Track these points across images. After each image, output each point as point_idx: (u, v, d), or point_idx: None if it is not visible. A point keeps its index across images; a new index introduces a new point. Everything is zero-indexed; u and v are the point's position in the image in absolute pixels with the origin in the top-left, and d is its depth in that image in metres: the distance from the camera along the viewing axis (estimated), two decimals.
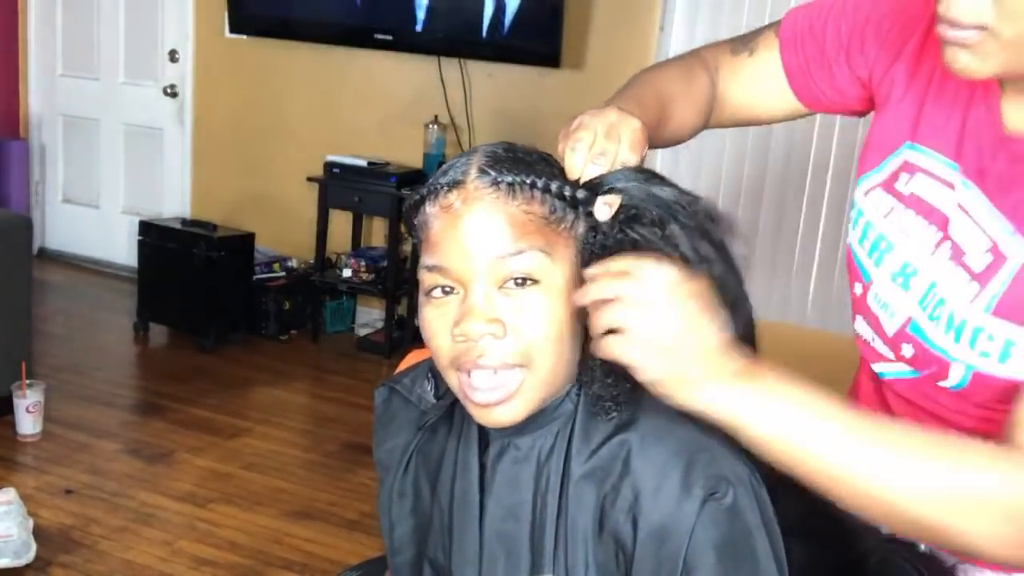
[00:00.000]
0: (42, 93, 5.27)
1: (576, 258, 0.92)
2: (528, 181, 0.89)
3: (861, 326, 1.12)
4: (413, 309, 4.26)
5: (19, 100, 5.25)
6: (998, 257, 0.96)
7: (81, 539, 2.67)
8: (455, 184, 0.90)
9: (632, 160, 0.94)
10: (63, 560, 2.57)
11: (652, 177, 0.93)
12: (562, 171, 0.94)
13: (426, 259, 0.91)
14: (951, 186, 1.02)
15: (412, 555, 1.07)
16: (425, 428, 1.06)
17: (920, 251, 1.04)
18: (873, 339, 1.10)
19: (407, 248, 4.30)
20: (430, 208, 0.92)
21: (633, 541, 0.89)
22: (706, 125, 1.24)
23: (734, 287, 0.93)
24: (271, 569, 2.61)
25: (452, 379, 0.93)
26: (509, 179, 0.89)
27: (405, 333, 4.27)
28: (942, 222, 1.03)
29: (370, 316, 4.59)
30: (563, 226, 0.91)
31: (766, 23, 1.24)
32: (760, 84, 1.22)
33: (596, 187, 0.92)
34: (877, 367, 1.12)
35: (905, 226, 1.06)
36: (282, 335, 4.40)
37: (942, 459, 0.84)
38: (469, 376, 0.90)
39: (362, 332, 4.53)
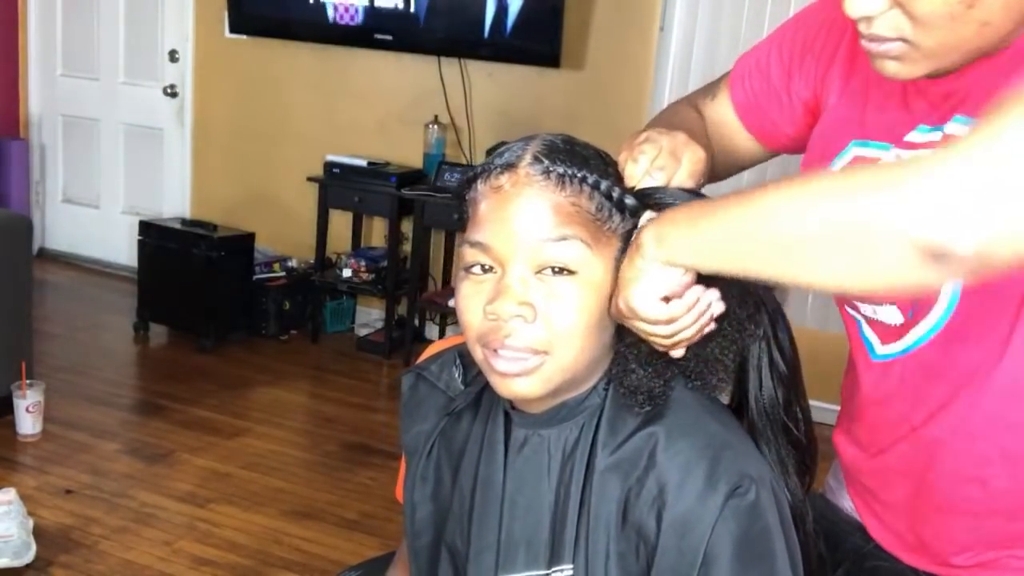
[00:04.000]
0: (42, 93, 5.27)
1: (616, 257, 0.93)
2: (579, 175, 0.91)
3: (862, 306, 1.11)
4: (413, 309, 4.27)
5: (19, 100, 5.26)
6: None
7: (81, 539, 2.67)
8: (508, 167, 0.92)
9: (687, 186, 0.95)
10: (63, 560, 2.57)
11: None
12: (616, 172, 0.95)
13: (470, 235, 0.93)
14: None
15: (431, 539, 1.08)
16: (451, 414, 1.07)
17: None
18: (875, 311, 1.08)
19: (407, 248, 4.30)
20: (481, 186, 0.93)
21: (656, 534, 0.90)
22: (713, 172, 1.23)
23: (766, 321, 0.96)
24: (271, 569, 2.61)
25: (477, 353, 0.94)
26: (560, 170, 0.91)
27: (405, 333, 4.27)
28: None
29: (370, 316, 4.59)
30: (608, 226, 0.92)
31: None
32: (721, 128, 1.22)
33: (646, 197, 0.93)
34: (883, 348, 1.09)
35: None
36: (282, 335, 4.40)
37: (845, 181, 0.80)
38: (496, 352, 0.92)
39: (362, 332, 4.53)
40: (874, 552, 1.14)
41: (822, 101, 1.13)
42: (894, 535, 1.13)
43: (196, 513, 2.86)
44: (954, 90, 0.97)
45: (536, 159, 0.91)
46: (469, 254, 0.93)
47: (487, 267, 0.92)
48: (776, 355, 0.96)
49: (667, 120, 1.20)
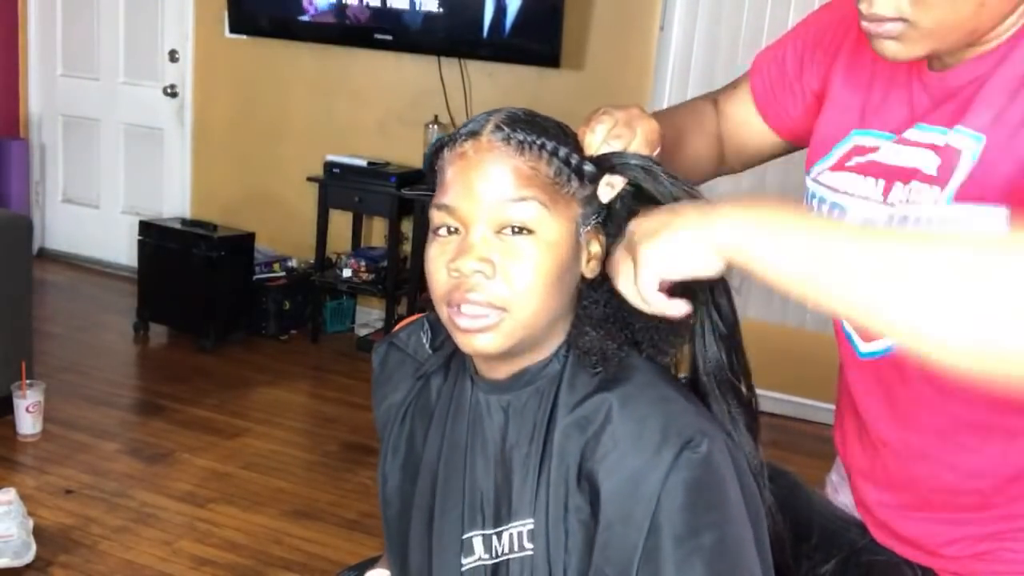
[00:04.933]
0: (42, 93, 5.27)
1: (576, 221, 0.98)
2: (538, 142, 0.96)
3: None
4: (413, 309, 4.27)
5: (19, 100, 5.26)
6: (948, 156, 0.99)
7: (81, 539, 2.67)
8: (471, 135, 0.98)
9: (643, 152, 1.00)
10: (63, 560, 2.57)
11: (657, 166, 0.99)
12: (575, 142, 1.01)
13: (438, 198, 0.99)
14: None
15: (401, 506, 1.12)
16: (422, 378, 1.12)
17: (868, 205, 1.07)
18: None
19: (407, 248, 4.30)
20: (448, 154, 0.99)
21: (609, 486, 0.93)
22: (723, 161, 1.30)
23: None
24: (271, 569, 2.61)
25: (443, 312, 0.99)
26: (520, 137, 0.96)
27: None
28: (883, 172, 1.06)
29: (370, 316, 4.59)
30: (566, 190, 0.97)
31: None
32: (740, 120, 1.28)
33: (604, 161, 0.99)
34: (866, 347, 1.11)
35: (850, 187, 1.10)
36: (282, 335, 4.40)
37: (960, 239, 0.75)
38: (459, 309, 0.96)
39: (362, 332, 4.53)
40: (870, 547, 1.15)
41: (828, 92, 1.17)
42: (888, 534, 1.14)
43: (196, 513, 2.86)
44: (956, 90, 1.00)
45: (498, 127, 0.97)
46: (436, 216, 0.98)
47: (453, 228, 0.97)
48: (716, 317, 0.99)
49: (662, 113, 1.26)
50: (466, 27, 4.03)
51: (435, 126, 4.19)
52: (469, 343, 0.97)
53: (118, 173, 5.17)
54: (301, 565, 2.64)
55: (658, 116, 1.23)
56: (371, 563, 1.31)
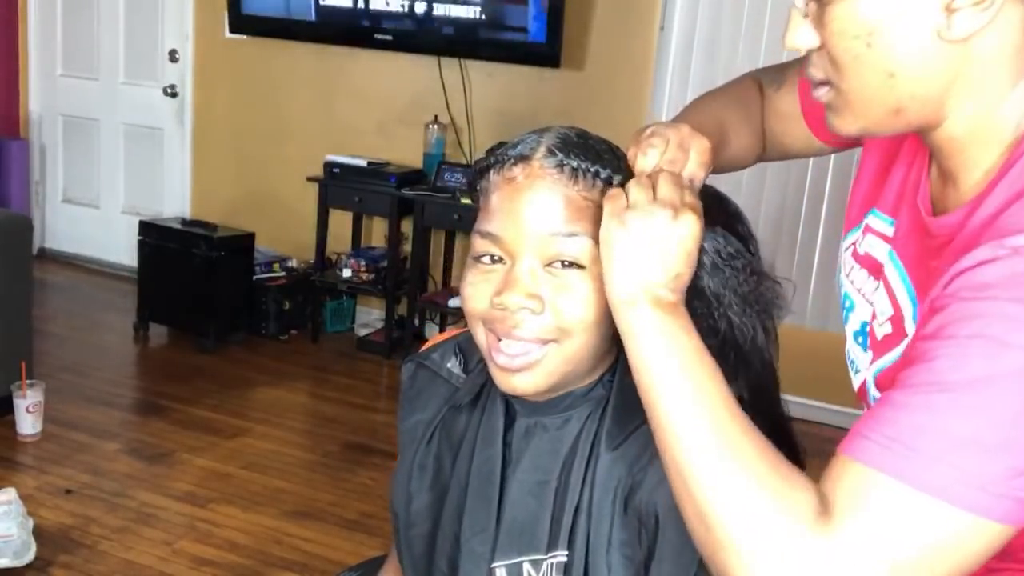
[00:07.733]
0: (42, 93, 5.27)
1: None
2: (592, 169, 0.91)
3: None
4: (413, 309, 4.27)
5: (19, 100, 5.26)
6: (897, 331, 0.95)
7: (81, 539, 2.67)
8: (522, 158, 0.92)
9: (699, 175, 0.95)
10: (63, 560, 2.57)
11: (715, 197, 0.96)
12: (628, 167, 0.95)
13: (482, 224, 0.93)
14: (888, 241, 1.02)
15: (428, 528, 1.07)
16: (453, 407, 1.07)
17: (868, 311, 1.04)
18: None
19: (407, 248, 4.30)
20: (494, 176, 0.94)
21: (660, 521, 0.90)
22: (761, 155, 1.24)
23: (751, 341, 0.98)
24: (271, 569, 2.61)
25: (479, 334, 0.95)
26: (574, 164, 0.91)
27: (405, 333, 4.27)
28: (878, 276, 1.03)
29: (370, 316, 4.59)
30: None
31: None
32: (786, 120, 1.21)
33: None
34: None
35: (860, 286, 1.06)
36: (282, 335, 4.40)
37: (744, 469, 0.80)
38: (500, 340, 0.92)
39: (362, 332, 4.53)
40: None
41: (867, 144, 1.11)
42: None
43: (196, 513, 2.86)
44: (932, 241, 0.93)
45: (550, 152, 0.91)
46: (480, 244, 0.93)
47: (496, 258, 0.92)
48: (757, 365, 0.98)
49: (706, 105, 1.19)
50: (466, 27, 4.03)
51: (435, 126, 4.20)
52: (508, 383, 0.93)
53: (118, 173, 5.17)
54: (301, 565, 2.64)
55: (703, 107, 1.16)
56: (373, 564, 1.31)
